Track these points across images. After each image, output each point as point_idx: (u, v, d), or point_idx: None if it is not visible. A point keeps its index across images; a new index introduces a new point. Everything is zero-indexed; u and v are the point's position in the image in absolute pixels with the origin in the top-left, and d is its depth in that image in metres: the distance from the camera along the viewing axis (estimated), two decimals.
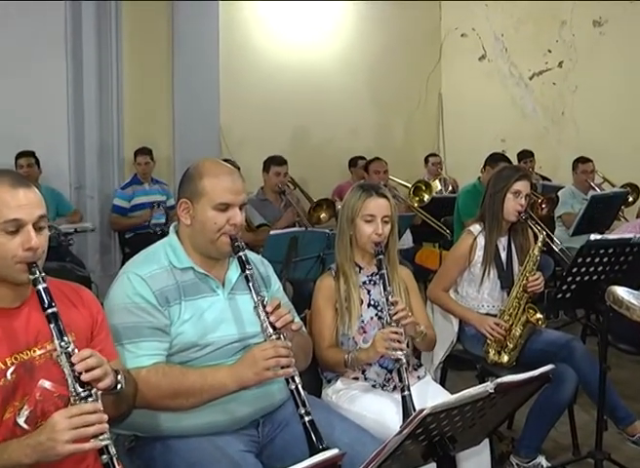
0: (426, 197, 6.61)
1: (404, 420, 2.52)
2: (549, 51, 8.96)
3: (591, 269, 3.28)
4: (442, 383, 3.62)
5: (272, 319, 2.25)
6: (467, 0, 9.42)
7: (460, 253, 3.68)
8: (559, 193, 6.63)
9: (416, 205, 6.43)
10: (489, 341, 3.52)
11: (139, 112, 7.13)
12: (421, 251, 6.51)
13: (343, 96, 8.74)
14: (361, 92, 9.05)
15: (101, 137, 6.99)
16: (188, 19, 7.18)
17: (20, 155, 6.18)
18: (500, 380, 1.84)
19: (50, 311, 1.85)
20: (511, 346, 3.48)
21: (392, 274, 2.94)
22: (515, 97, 9.34)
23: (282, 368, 2.21)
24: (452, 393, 2.01)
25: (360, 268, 3.01)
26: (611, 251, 3.25)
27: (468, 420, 1.89)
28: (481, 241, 3.64)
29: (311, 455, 1.96)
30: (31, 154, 6.21)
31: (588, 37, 8.57)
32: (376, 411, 2.73)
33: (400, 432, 1.71)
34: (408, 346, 2.77)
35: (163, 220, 6.62)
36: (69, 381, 1.82)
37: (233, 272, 2.49)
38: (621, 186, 7.06)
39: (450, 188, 8.27)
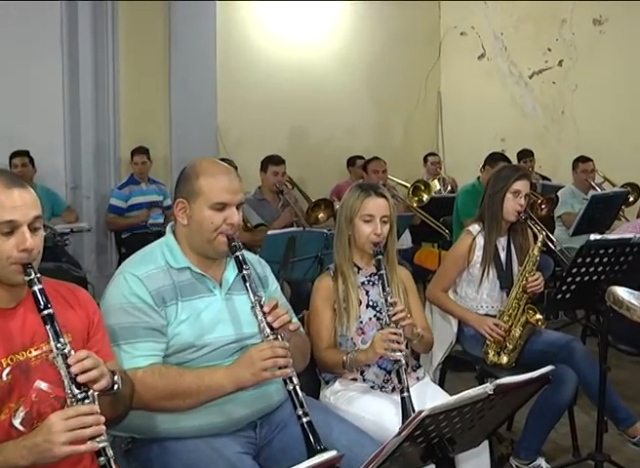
0: (425, 197, 6.60)
1: (403, 422, 2.51)
2: (549, 49, 8.95)
3: (591, 269, 3.28)
4: (441, 384, 3.61)
5: (270, 319, 2.24)
6: None
7: (458, 254, 3.67)
8: (559, 193, 6.62)
9: (415, 205, 6.42)
10: (488, 342, 3.51)
11: (135, 111, 7.12)
12: (420, 251, 6.51)
13: (342, 95, 8.74)
14: (359, 91, 9.05)
15: (98, 137, 6.98)
16: (185, 19, 7.18)
17: (14, 155, 6.18)
18: (499, 381, 1.83)
19: (45, 312, 1.85)
20: (511, 347, 3.47)
21: (391, 274, 2.93)
22: (515, 95, 9.33)
23: (280, 368, 2.20)
24: (451, 394, 2.01)
25: (359, 269, 3.00)
26: (611, 251, 3.25)
27: (467, 422, 1.88)
28: (480, 241, 3.63)
29: (309, 457, 2.00)
30: (25, 154, 6.21)
31: (588, 36, 8.56)
32: (374, 413, 2.72)
33: (399, 434, 1.70)
34: (407, 347, 2.76)
35: (161, 220, 6.62)
36: (66, 383, 1.81)
37: (230, 272, 2.48)
38: (622, 186, 7.06)
39: (449, 188, 8.28)
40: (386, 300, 2.76)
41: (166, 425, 2.32)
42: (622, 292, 2.88)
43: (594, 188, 6.72)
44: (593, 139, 8.07)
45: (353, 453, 2.15)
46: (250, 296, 2.27)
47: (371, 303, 2.95)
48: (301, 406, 2.17)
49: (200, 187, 2.37)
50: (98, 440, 1.76)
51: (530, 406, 3.34)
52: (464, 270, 3.65)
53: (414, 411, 2.50)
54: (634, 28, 8.09)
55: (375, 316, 2.93)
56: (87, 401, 1.79)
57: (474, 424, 1.92)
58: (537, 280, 3.50)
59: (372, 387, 2.87)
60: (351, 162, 7.99)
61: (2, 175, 1.93)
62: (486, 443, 2.69)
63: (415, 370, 2.96)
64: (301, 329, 2.72)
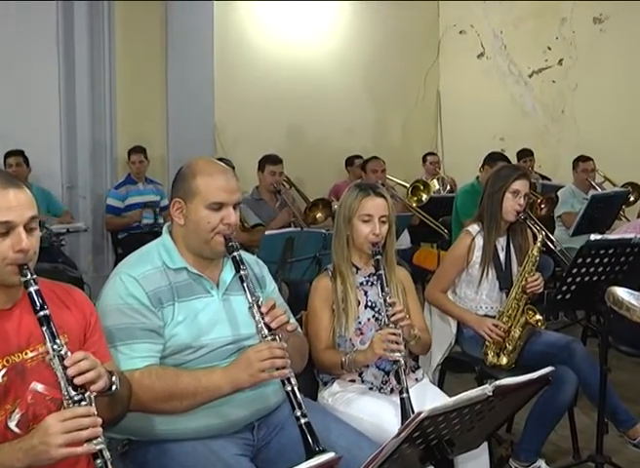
0: (425, 197, 6.60)
1: (403, 423, 2.49)
2: (549, 48, 8.93)
3: (591, 270, 3.27)
4: (440, 386, 3.58)
5: (267, 319, 2.23)
6: None
7: (458, 254, 3.66)
8: (559, 193, 6.61)
9: (414, 205, 6.41)
10: (487, 343, 3.49)
11: (132, 111, 7.11)
12: (419, 251, 6.52)
13: (340, 94, 8.74)
14: (358, 90, 9.04)
15: (94, 136, 6.97)
16: (182, 19, 7.17)
17: (8, 154, 6.20)
18: (498, 383, 1.82)
19: (42, 314, 1.84)
20: (510, 348, 3.46)
21: (390, 275, 2.91)
22: (514, 95, 9.31)
23: (277, 369, 2.19)
24: (450, 396, 2.02)
25: (357, 269, 2.99)
26: (611, 251, 3.24)
27: (467, 423, 1.87)
28: (479, 241, 3.62)
29: (308, 458, 2.00)
30: (20, 153, 6.22)
31: (589, 34, 8.54)
32: (373, 414, 2.71)
33: (397, 435, 1.69)
34: (406, 348, 2.74)
35: (151, 220, 6.57)
36: (62, 384, 1.80)
37: (227, 273, 2.47)
38: (622, 185, 7.06)
39: (448, 188, 8.26)
40: (385, 301, 2.74)
41: (163, 427, 2.31)
42: (622, 292, 2.87)
43: (595, 188, 6.71)
44: (593, 139, 8.05)
45: (352, 455, 2.14)
46: (247, 297, 2.26)
47: (369, 304, 2.94)
48: (300, 407, 2.16)
49: (197, 187, 2.36)
50: (95, 442, 1.75)
51: (530, 407, 3.32)
52: (463, 270, 3.64)
53: (413, 413, 2.49)
54: (635, 27, 8.05)
55: (373, 316, 2.92)
56: (84, 402, 1.78)
57: (473, 426, 1.92)
58: (536, 280, 3.48)
59: (370, 388, 2.86)
60: (350, 161, 7.98)
61: None
62: (485, 444, 2.69)
63: (413, 372, 2.96)
64: (299, 329, 2.70)
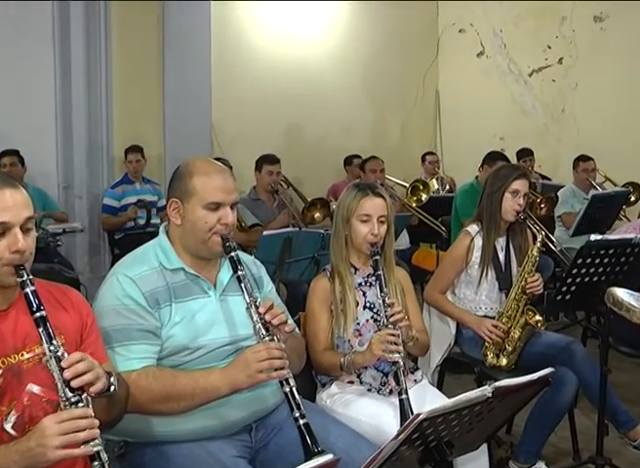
0: (424, 196, 6.60)
1: (402, 424, 2.47)
2: (549, 47, 8.92)
3: (592, 270, 3.26)
4: (439, 387, 3.57)
5: (267, 317, 2.22)
6: None
7: (457, 254, 3.64)
8: (559, 192, 6.61)
9: (414, 204, 6.40)
10: (487, 344, 3.48)
11: (128, 110, 7.08)
12: (418, 251, 6.52)
13: (338, 93, 8.73)
14: (356, 89, 9.04)
15: (90, 136, 6.95)
16: (179, 19, 7.16)
17: (2, 154, 6.17)
18: (498, 384, 1.82)
19: (38, 314, 1.83)
20: (510, 349, 3.44)
21: (388, 275, 2.90)
22: (514, 94, 9.31)
23: (275, 370, 2.18)
24: (449, 397, 2.04)
25: (356, 269, 2.98)
26: (612, 251, 3.23)
27: (466, 425, 1.87)
28: (478, 241, 3.60)
29: (307, 459, 2.01)
30: (15, 153, 6.20)
31: (589, 33, 8.53)
32: (372, 416, 2.70)
33: (396, 437, 1.69)
34: (404, 349, 2.73)
35: (143, 221, 6.54)
36: (59, 386, 1.79)
37: (225, 273, 2.46)
38: (623, 185, 7.06)
39: (447, 187, 8.26)
40: (384, 301, 2.73)
41: (160, 428, 2.30)
42: (622, 293, 2.87)
43: (595, 188, 6.70)
44: (594, 138, 8.04)
45: (350, 457, 2.14)
46: (245, 297, 2.25)
47: (368, 305, 2.93)
48: (298, 408, 2.16)
49: (194, 187, 2.35)
50: (92, 444, 1.75)
51: (529, 408, 3.31)
52: (463, 271, 3.62)
53: (412, 414, 2.49)
54: (636, 25, 8.04)
55: (372, 317, 2.91)
56: (81, 404, 1.77)
57: (473, 427, 1.92)
58: (536, 281, 3.47)
59: (369, 390, 2.84)
60: (348, 161, 7.97)
61: None
62: (485, 446, 2.68)
63: (412, 373, 2.95)
64: (297, 330, 2.69)
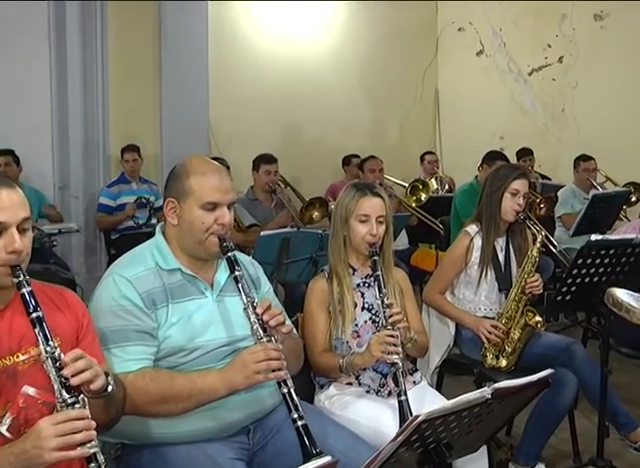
0: (423, 196, 6.60)
1: (401, 426, 2.46)
2: (549, 45, 8.91)
3: (592, 271, 3.25)
4: (438, 388, 3.56)
5: (265, 318, 2.21)
6: None
7: (456, 255, 3.63)
8: (559, 192, 6.61)
9: (413, 204, 6.39)
10: (486, 345, 3.47)
11: (125, 110, 7.07)
12: (417, 252, 6.51)
13: (336, 93, 8.72)
14: (355, 88, 9.03)
15: (86, 135, 6.93)
16: (176, 18, 7.15)
17: None
18: (497, 385, 1.82)
19: (34, 315, 1.83)
20: (510, 350, 3.43)
21: (387, 276, 2.89)
22: (514, 93, 9.30)
23: (273, 371, 2.17)
24: (448, 398, 2.02)
25: (354, 270, 2.97)
26: (612, 252, 3.22)
27: (465, 427, 1.87)
28: (478, 242, 3.59)
29: (305, 461, 2.00)
30: (10, 153, 6.17)
31: (589, 31, 8.52)
32: (370, 417, 2.68)
33: (395, 439, 1.69)
34: (403, 350, 2.72)
35: (144, 221, 6.51)
36: (55, 387, 1.78)
37: (222, 273, 2.45)
38: (624, 185, 7.05)
39: (446, 187, 8.24)
40: (383, 302, 2.72)
41: (157, 430, 2.29)
42: (622, 293, 2.86)
43: (596, 187, 6.69)
44: (594, 138, 8.04)
45: (349, 459, 2.14)
46: (242, 298, 2.25)
47: (366, 306, 2.91)
48: (296, 409, 2.14)
49: (190, 186, 2.34)
50: (88, 445, 1.74)
51: (529, 410, 3.31)
52: (462, 271, 3.61)
53: (411, 416, 2.46)
54: (636, 24, 8.03)
55: (370, 319, 2.90)
56: (77, 405, 1.76)
57: (472, 429, 1.91)
58: (536, 281, 3.46)
59: (367, 391, 2.83)
60: (346, 161, 7.95)
61: None
62: (484, 448, 2.68)
63: (411, 374, 2.94)
64: (294, 331, 2.69)
